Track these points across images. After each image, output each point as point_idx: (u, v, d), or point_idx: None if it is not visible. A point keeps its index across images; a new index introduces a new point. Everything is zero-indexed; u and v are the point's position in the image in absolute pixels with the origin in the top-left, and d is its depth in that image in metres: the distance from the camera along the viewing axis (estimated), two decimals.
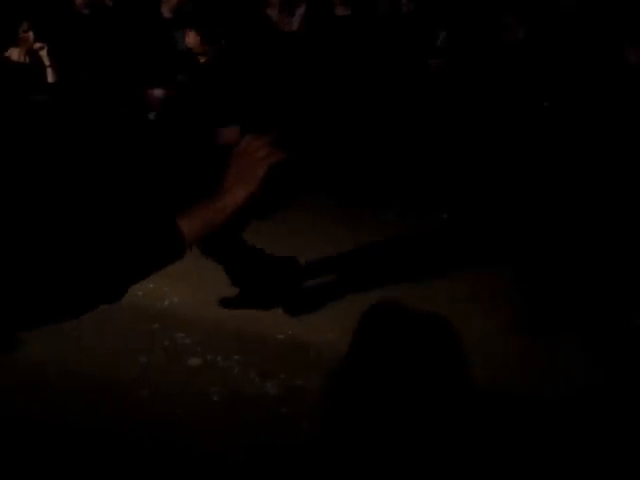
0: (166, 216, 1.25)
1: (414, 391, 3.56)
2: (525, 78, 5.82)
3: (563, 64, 5.77)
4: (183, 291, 4.52)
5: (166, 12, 5.79)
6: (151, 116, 5.75)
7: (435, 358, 3.81)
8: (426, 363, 3.79)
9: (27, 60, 5.14)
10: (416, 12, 6.41)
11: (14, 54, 5.11)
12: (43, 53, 5.14)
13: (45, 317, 1.16)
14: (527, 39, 6.02)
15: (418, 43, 6.25)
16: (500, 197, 5.68)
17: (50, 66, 5.16)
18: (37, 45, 5.13)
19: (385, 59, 6.18)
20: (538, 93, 5.81)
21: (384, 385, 3.59)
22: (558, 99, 5.71)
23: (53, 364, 3.73)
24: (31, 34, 5.11)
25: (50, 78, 5.16)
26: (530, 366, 3.82)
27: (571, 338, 4.09)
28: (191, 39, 4.52)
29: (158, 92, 5.55)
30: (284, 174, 1.35)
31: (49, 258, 1.14)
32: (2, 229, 1.14)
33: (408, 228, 5.53)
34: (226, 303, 4.35)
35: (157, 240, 1.22)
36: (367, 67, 6.13)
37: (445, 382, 3.63)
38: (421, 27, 6.31)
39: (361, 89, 6.18)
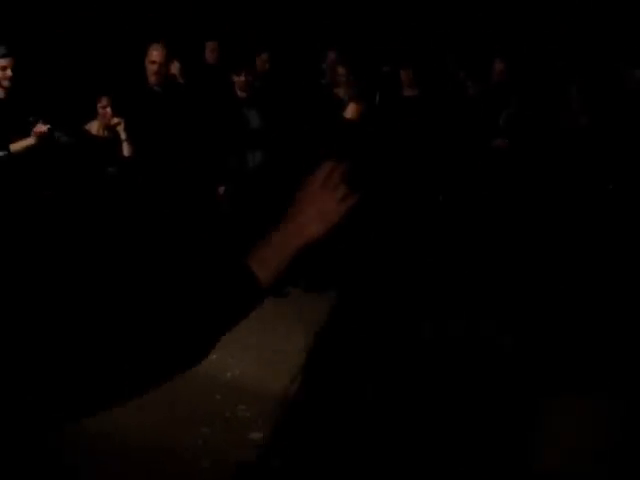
0: (237, 262, 1.14)
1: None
2: (590, 161, 5.79)
3: (627, 149, 5.74)
4: (245, 364, 4.53)
5: (239, 91, 5.98)
6: (220, 190, 5.90)
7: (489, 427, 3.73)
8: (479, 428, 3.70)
9: (105, 134, 5.39)
10: (481, 94, 6.50)
11: (94, 128, 5.38)
12: (120, 128, 5.37)
13: (136, 387, 1.06)
14: (592, 124, 6.01)
15: (483, 123, 6.32)
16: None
17: (126, 140, 5.37)
18: (114, 120, 5.37)
19: (449, 138, 6.25)
20: (603, 175, 5.77)
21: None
22: (624, 181, 5.67)
23: (115, 430, 3.76)
24: (109, 110, 5.36)
25: (125, 152, 5.38)
26: None
27: None
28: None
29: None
30: (356, 219, 1.26)
31: (136, 327, 1.05)
32: (86, 302, 1.07)
33: None
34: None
35: (233, 290, 1.11)
36: (432, 145, 6.21)
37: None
38: (486, 108, 6.39)
39: (424, 165, 6.25)
